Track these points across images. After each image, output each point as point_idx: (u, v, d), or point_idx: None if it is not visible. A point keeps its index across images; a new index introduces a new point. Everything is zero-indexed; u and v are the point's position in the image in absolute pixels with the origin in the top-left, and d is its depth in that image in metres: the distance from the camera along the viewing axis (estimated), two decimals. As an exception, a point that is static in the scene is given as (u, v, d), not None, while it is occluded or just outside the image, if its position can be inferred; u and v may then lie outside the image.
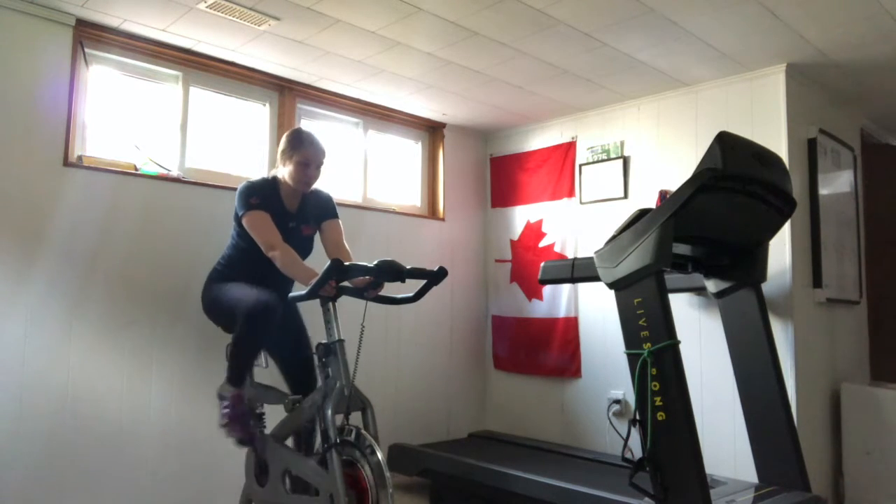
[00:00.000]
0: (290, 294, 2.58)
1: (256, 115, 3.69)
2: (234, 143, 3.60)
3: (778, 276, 3.25)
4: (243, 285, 2.65)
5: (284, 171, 2.76)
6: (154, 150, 3.27)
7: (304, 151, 2.72)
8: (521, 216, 4.50)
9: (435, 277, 2.64)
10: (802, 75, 3.43)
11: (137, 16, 2.93)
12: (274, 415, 2.88)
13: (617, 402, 3.82)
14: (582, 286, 4.05)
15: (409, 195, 4.46)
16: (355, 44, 3.17)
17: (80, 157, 3.00)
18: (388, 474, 2.35)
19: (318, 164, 2.77)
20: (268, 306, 2.49)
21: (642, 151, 3.87)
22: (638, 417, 2.39)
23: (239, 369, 2.61)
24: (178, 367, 3.13)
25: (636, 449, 2.43)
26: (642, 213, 2.52)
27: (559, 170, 4.27)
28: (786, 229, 3.21)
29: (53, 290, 2.81)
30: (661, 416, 2.33)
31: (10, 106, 2.76)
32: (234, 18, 2.90)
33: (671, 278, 3.11)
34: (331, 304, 2.54)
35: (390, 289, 2.66)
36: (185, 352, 3.14)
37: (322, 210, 2.88)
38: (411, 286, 2.68)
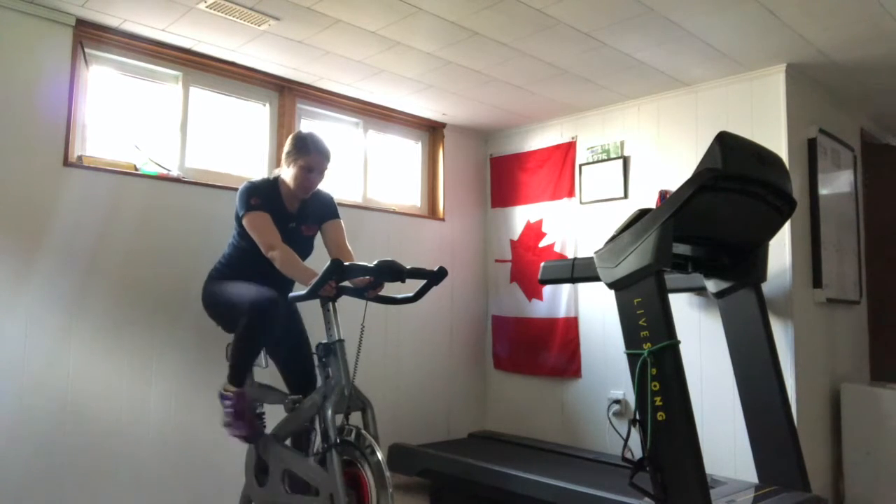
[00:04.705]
0: (290, 294, 2.58)
1: (256, 115, 3.69)
2: (234, 143, 3.60)
3: (778, 276, 3.25)
4: (244, 283, 2.66)
5: (287, 173, 2.76)
6: (154, 150, 3.27)
7: (308, 157, 2.71)
8: (521, 216, 4.50)
9: (435, 277, 2.64)
10: (802, 75, 3.43)
11: (137, 16, 2.93)
12: (274, 415, 2.88)
13: (617, 402, 3.82)
14: (582, 286, 4.05)
15: (409, 195, 4.46)
16: (355, 44, 3.17)
17: (80, 157, 3.00)
18: (388, 474, 2.35)
19: (322, 170, 2.77)
20: (270, 303, 2.51)
21: (642, 151, 3.87)
22: (638, 417, 2.39)
23: (240, 367, 2.62)
24: (178, 367, 3.13)
25: (636, 449, 2.43)
26: (642, 213, 2.52)
27: (559, 170, 4.27)
28: (786, 229, 3.21)
29: (53, 290, 2.81)
30: (661, 416, 2.33)
31: (10, 106, 2.76)
32: (234, 18, 2.90)
33: (671, 278, 3.11)
34: (331, 304, 2.54)
35: (390, 289, 2.66)
36: (185, 352, 3.14)
37: (323, 210, 2.87)
38: (411, 286, 2.68)
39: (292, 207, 2.81)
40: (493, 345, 4.61)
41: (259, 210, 2.63)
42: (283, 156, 2.78)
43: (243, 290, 2.61)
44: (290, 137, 2.81)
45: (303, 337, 2.89)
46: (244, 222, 2.64)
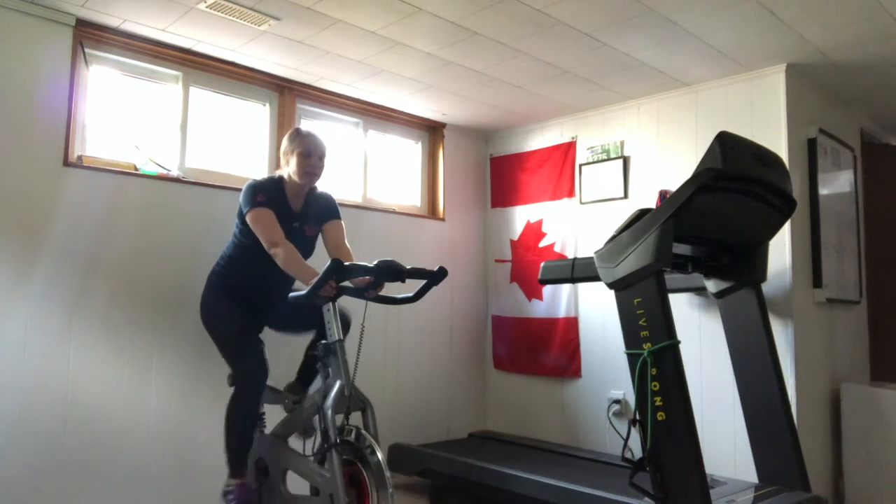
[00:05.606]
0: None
1: (256, 115, 3.69)
2: (234, 144, 3.60)
3: (778, 276, 3.25)
4: (239, 322, 2.72)
5: (289, 169, 2.77)
6: (154, 150, 3.27)
7: (303, 142, 2.74)
8: (521, 216, 4.50)
9: (435, 277, 2.64)
10: (802, 75, 3.43)
11: (137, 16, 2.93)
12: (274, 415, 2.89)
13: (617, 402, 3.82)
14: (582, 286, 4.05)
15: (409, 195, 4.46)
16: (355, 44, 3.17)
17: (80, 157, 3.00)
18: (388, 474, 2.35)
19: (321, 155, 2.79)
20: (259, 374, 2.62)
21: (642, 151, 3.87)
22: (638, 417, 2.39)
23: (239, 454, 2.64)
24: (177, 368, 3.13)
25: (636, 449, 2.43)
26: (642, 213, 2.52)
27: (559, 170, 4.26)
28: (786, 229, 3.21)
29: (53, 290, 2.81)
30: (661, 416, 2.33)
31: (10, 106, 2.75)
32: (234, 18, 2.90)
33: (671, 278, 3.11)
34: (331, 304, 2.54)
35: (390, 289, 2.66)
36: (185, 352, 3.14)
37: (325, 211, 2.88)
38: (411, 286, 2.68)
39: (296, 207, 2.81)
40: (494, 345, 4.61)
41: (264, 207, 2.64)
42: (281, 155, 2.81)
43: (237, 342, 2.68)
44: (284, 138, 2.85)
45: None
46: (248, 218, 2.65)
